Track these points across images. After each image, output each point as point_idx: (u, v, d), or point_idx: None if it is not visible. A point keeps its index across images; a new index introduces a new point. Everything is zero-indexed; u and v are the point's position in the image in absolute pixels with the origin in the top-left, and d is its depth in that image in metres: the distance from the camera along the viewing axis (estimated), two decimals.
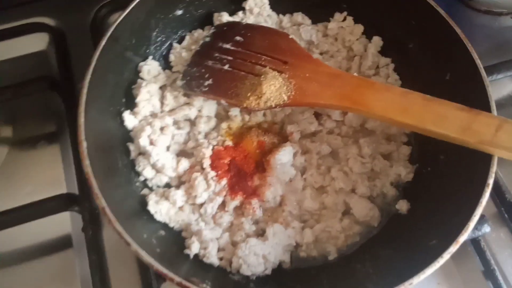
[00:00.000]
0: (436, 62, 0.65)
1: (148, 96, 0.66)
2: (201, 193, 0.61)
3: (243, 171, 0.64)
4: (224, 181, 0.63)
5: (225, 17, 0.73)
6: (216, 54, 0.66)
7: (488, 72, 0.73)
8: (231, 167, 0.64)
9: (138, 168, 0.63)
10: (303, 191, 0.64)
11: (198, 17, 0.74)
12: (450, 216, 0.54)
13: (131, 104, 0.67)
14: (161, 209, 0.60)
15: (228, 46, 0.67)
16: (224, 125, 0.68)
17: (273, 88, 0.61)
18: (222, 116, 0.70)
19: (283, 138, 0.68)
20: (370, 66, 0.71)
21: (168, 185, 0.65)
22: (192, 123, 0.68)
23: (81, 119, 0.54)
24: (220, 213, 0.62)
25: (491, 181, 0.52)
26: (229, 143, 0.66)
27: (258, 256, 0.57)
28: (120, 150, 0.63)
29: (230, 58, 0.66)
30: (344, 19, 0.74)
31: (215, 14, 0.74)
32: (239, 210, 0.63)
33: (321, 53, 0.74)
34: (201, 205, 0.62)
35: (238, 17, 0.74)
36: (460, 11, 0.92)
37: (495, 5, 0.84)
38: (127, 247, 0.49)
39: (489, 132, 0.51)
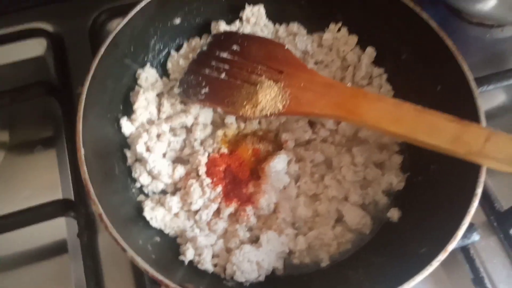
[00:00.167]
0: (428, 73, 0.66)
1: (145, 103, 0.67)
2: (196, 199, 0.62)
3: (238, 178, 0.65)
4: (219, 188, 0.63)
5: (222, 26, 0.74)
6: (213, 63, 0.67)
7: (479, 83, 0.75)
8: (226, 174, 0.65)
9: (135, 175, 0.64)
10: (296, 199, 0.65)
11: (196, 25, 0.75)
12: (439, 225, 0.55)
13: (128, 110, 0.67)
14: (157, 216, 0.61)
15: (225, 55, 0.68)
16: (220, 132, 0.69)
17: (269, 97, 0.63)
18: (218, 124, 0.70)
19: (278, 146, 0.69)
20: (364, 76, 0.73)
21: (164, 192, 0.65)
22: (189, 130, 0.69)
23: (79, 126, 0.55)
24: (215, 220, 0.63)
25: (479, 191, 0.53)
26: (224, 150, 0.67)
27: (252, 263, 0.58)
28: (117, 157, 0.64)
29: (226, 67, 0.67)
30: (339, 30, 0.76)
31: (213, 23, 0.75)
32: (234, 217, 0.64)
33: (316, 63, 0.75)
34: (196, 211, 0.63)
35: (235, 26, 0.75)
36: (453, 23, 0.94)
37: (487, 17, 0.85)
38: (123, 253, 0.50)
39: (478, 143, 0.52)
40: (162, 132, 0.66)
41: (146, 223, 0.61)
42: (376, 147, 0.69)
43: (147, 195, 0.65)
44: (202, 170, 0.64)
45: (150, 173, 0.63)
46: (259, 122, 0.70)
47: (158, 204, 0.62)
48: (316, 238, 0.62)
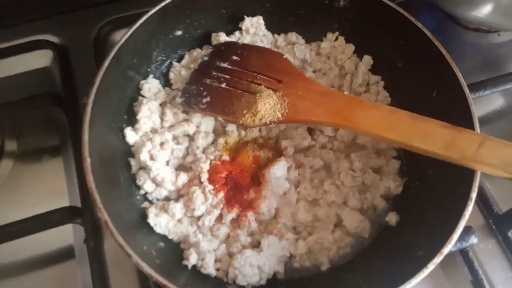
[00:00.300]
0: (423, 81, 0.68)
1: (148, 113, 0.69)
2: (199, 206, 0.63)
3: (239, 184, 0.67)
4: (221, 194, 0.65)
5: (222, 37, 0.75)
6: (214, 73, 0.69)
7: (475, 88, 0.77)
8: (228, 180, 0.66)
9: (139, 182, 0.65)
10: (296, 204, 0.66)
11: (197, 37, 0.77)
12: (436, 228, 0.57)
13: (132, 120, 0.69)
14: (161, 222, 0.62)
15: (225, 65, 0.69)
16: (221, 140, 0.70)
17: (268, 105, 0.64)
18: (219, 132, 0.72)
19: (278, 153, 0.71)
20: (361, 84, 0.74)
21: (167, 198, 0.67)
22: (191, 138, 0.71)
23: (85, 136, 0.56)
24: (217, 225, 0.64)
25: (474, 195, 0.55)
26: (226, 157, 0.69)
27: (253, 267, 0.59)
28: (121, 165, 0.66)
29: (227, 76, 0.68)
30: (336, 39, 0.77)
31: (213, 34, 0.77)
32: (236, 223, 0.65)
33: (314, 71, 0.77)
34: (199, 217, 0.64)
35: (235, 37, 0.77)
36: (450, 29, 0.95)
37: (484, 23, 0.86)
38: (128, 258, 0.51)
39: (471, 149, 0.53)
40: (165, 141, 0.68)
41: (150, 229, 0.62)
42: (374, 152, 0.70)
43: (151, 202, 0.66)
44: (204, 177, 0.65)
45: (154, 180, 0.65)
46: (260, 130, 0.72)
47: (162, 210, 0.63)
48: (316, 242, 0.64)
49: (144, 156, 0.65)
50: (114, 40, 0.65)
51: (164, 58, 0.75)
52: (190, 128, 0.69)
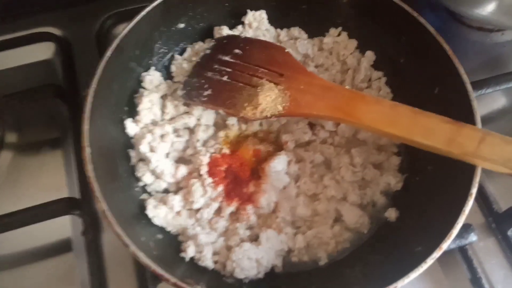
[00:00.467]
0: (426, 77, 0.68)
1: (149, 105, 0.69)
2: (198, 198, 0.63)
3: (239, 178, 0.66)
4: (220, 188, 0.65)
5: (225, 31, 0.75)
6: (216, 66, 0.69)
7: (478, 86, 0.77)
8: (228, 174, 0.66)
9: (138, 174, 0.65)
10: (296, 198, 0.66)
11: (199, 30, 0.77)
12: (435, 224, 0.56)
13: (133, 112, 0.69)
14: (159, 214, 0.62)
15: (227, 58, 0.69)
16: (221, 133, 0.70)
17: (269, 99, 0.64)
18: (220, 125, 0.72)
19: (278, 147, 0.70)
20: (363, 79, 0.74)
21: (166, 191, 0.67)
22: (191, 131, 0.70)
23: (86, 126, 0.56)
24: (216, 218, 0.64)
25: (474, 191, 0.55)
26: (226, 151, 0.68)
27: (251, 260, 0.59)
28: (121, 156, 0.66)
29: (229, 69, 0.68)
30: (339, 34, 0.77)
31: (216, 28, 0.77)
32: (234, 216, 0.65)
33: (316, 66, 0.77)
34: (198, 210, 0.64)
35: (238, 30, 0.77)
36: (453, 28, 0.95)
37: (487, 22, 0.86)
38: (126, 248, 0.51)
39: (472, 144, 0.53)
40: (165, 133, 0.68)
41: (148, 221, 0.62)
42: (375, 148, 0.70)
43: (150, 194, 0.66)
44: (204, 170, 0.65)
45: (153, 172, 0.65)
46: (260, 124, 0.72)
47: (160, 202, 0.63)
48: (314, 237, 0.63)
49: (144, 147, 0.65)
50: (116, 34, 0.66)
51: (166, 51, 0.75)
52: (191, 121, 0.69)
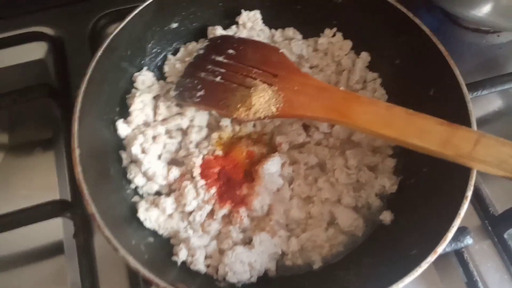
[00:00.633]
0: (421, 78, 0.67)
1: (141, 106, 0.68)
2: (190, 201, 0.62)
3: (232, 180, 0.66)
4: (213, 190, 0.64)
5: (218, 31, 0.75)
6: (209, 66, 0.68)
7: (473, 88, 0.76)
8: (221, 176, 0.65)
9: (130, 176, 0.64)
10: (290, 201, 0.65)
11: (193, 30, 0.76)
12: (430, 227, 0.56)
13: (125, 113, 0.68)
14: (151, 216, 0.61)
15: (220, 58, 0.69)
16: (215, 135, 0.69)
17: (263, 100, 0.63)
18: (213, 126, 0.71)
19: (272, 149, 0.70)
20: (358, 81, 0.73)
21: (158, 193, 0.66)
22: (184, 132, 0.70)
23: (75, 127, 0.56)
24: (209, 221, 0.63)
25: (469, 194, 0.54)
26: (219, 152, 0.68)
27: (244, 264, 0.59)
28: (112, 158, 0.65)
29: (222, 70, 0.67)
30: (334, 35, 0.77)
31: (209, 28, 0.76)
32: (227, 219, 0.64)
33: (311, 67, 0.76)
34: (190, 213, 0.63)
35: (232, 31, 0.76)
36: (450, 29, 0.95)
37: (483, 23, 0.86)
38: (115, 252, 0.50)
39: (467, 146, 0.53)
40: (157, 134, 0.67)
41: (140, 223, 0.61)
42: (370, 150, 0.69)
43: (141, 196, 0.65)
44: (197, 172, 0.64)
45: (145, 174, 0.64)
46: (254, 125, 0.71)
47: (152, 205, 0.62)
48: (308, 240, 0.63)
49: (135, 149, 0.64)
50: (110, 33, 0.65)
51: (159, 51, 0.74)
52: (184, 122, 0.69)
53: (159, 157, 0.67)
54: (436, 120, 0.55)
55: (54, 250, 0.69)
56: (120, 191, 0.64)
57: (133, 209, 0.62)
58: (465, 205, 0.53)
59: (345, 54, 0.76)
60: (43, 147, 0.79)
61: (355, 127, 0.60)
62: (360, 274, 0.58)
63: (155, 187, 0.65)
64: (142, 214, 0.61)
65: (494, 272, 0.68)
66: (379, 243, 0.62)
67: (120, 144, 0.67)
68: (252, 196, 0.64)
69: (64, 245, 0.69)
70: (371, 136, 0.67)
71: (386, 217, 0.64)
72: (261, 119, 0.63)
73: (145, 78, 0.70)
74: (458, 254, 0.67)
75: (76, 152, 0.54)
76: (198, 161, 0.65)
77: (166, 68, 0.74)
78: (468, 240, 0.65)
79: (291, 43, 0.76)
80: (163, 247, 0.62)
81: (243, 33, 0.76)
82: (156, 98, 0.71)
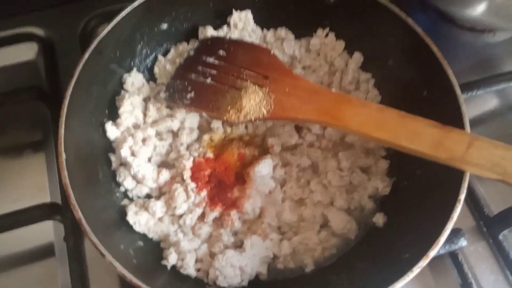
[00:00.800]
0: (414, 79, 0.66)
1: (131, 108, 0.67)
2: (180, 204, 0.62)
3: (223, 182, 0.65)
4: (204, 193, 0.63)
5: (210, 32, 0.74)
6: (200, 68, 0.68)
7: (468, 88, 0.76)
8: (212, 178, 0.65)
9: (119, 179, 0.64)
10: (282, 203, 0.65)
11: (183, 30, 0.75)
12: (423, 230, 0.55)
13: (114, 115, 0.67)
14: (140, 220, 0.61)
15: (211, 60, 0.68)
16: (206, 137, 0.69)
17: (253, 102, 0.63)
18: (204, 128, 0.70)
19: (264, 151, 0.69)
20: (351, 81, 0.73)
21: (148, 196, 0.65)
22: (175, 134, 0.69)
23: (62, 130, 0.55)
24: (199, 224, 0.63)
25: (462, 197, 0.53)
26: (210, 155, 0.67)
27: (234, 268, 0.58)
28: (101, 161, 0.64)
29: (212, 71, 0.67)
30: (327, 35, 0.76)
31: (200, 28, 0.75)
32: (218, 222, 0.64)
33: (303, 68, 0.75)
34: (181, 216, 0.63)
35: (223, 31, 0.75)
36: (444, 28, 0.93)
37: (478, 22, 0.85)
38: (103, 258, 0.50)
39: (460, 149, 0.52)
40: (147, 137, 0.66)
41: (129, 227, 0.61)
42: (363, 152, 0.69)
43: (131, 200, 0.65)
44: (187, 174, 0.64)
45: (134, 177, 0.63)
46: (246, 127, 0.70)
47: (142, 208, 0.62)
48: (300, 243, 0.62)
49: (124, 151, 0.63)
50: (97, 36, 0.65)
51: (148, 52, 0.73)
52: (174, 124, 0.68)
53: (149, 159, 0.66)
54: (429, 122, 0.54)
55: (45, 252, 0.69)
56: (109, 194, 0.63)
57: (123, 213, 0.62)
58: (458, 208, 0.53)
59: (337, 54, 0.75)
60: (33, 149, 0.78)
61: (346, 129, 0.59)
62: (352, 279, 0.57)
63: (145, 190, 0.64)
64: (131, 218, 0.61)
65: (489, 273, 0.67)
66: (372, 247, 0.62)
67: (109, 147, 0.66)
68: (243, 199, 0.63)
69: (55, 247, 0.68)
70: (363, 138, 0.67)
71: (379, 219, 0.64)
72: (252, 121, 0.63)
73: (134, 79, 0.70)
74: (453, 255, 0.67)
75: (63, 156, 0.54)
76: (188, 163, 0.64)
77: (156, 70, 0.73)
78: (463, 242, 0.65)
79: (283, 44, 0.75)
80: (153, 251, 0.61)
81: (234, 34, 0.75)
82: (146, 100, 0.70)
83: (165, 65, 0.73)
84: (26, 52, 0.86)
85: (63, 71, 0.83)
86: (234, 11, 0.74)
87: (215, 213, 0.63)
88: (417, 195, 0.62)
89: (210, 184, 0.65)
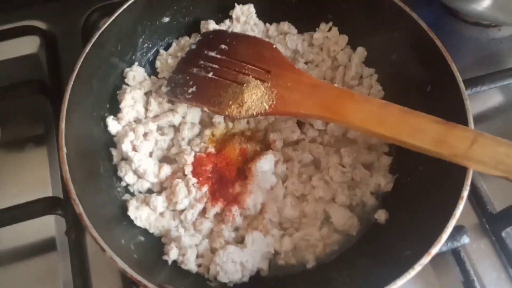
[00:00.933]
0: (418, 74, 0.66)
1: (132, 102, 0.67)
2: (182, 199, 0.62)
3: (225, 178, 0.65)
4: (205, 188, 0.63)
5: (211, 25, 0.73)
6: (201, 62, 0.67)
7: (473, 83, 0.75)
8: (213, 174, 0.65)
9: (120, 173, 0.64)
10: (283, 199, 0.65)
11: (185, 24, 0.75)
12: (425, 228, 0.55)
13: (115, 109, 0.67)
14: (141, 215, 0.61)
15: (213, 54, 0.67)
16: (207, 132, 0.68)
17: (255, 96, 0.62)
18: (206, 123, 0.70)
19: (266, 146, 0.69)
20: (354, 76, 0.72)
21: (149, 191, 0.65)
22: (176, 129, 0.69)
23: (62, 124, 0.55)
24: (201, 220, 0.62)
25: (465, 194, 0.53)
26: (211, 150, 0.67)
27: (235, 264, 0.58)
28: (102, 155, 0.64)
29: (214, 66, 0.66)
30: (330, 30, 0.75)
31: (202, 22, 0.74)
32: (220, 217, 0.63)
33: (306, 62, 0.75)
34: (182, 211, 0.63)
35: (225, 25, 0.75)
36: (449, 23, 0.93)
37: (482, 16, 0.84)
38: (103, 253, 0.49)
39: (463, 146, 0.51)
40: (149, 131, 0.66)
41: (130, 222, 0.61)
42: (365, 147, 0.68)
43: (132, 194, 0.65)
44: (188, 169, 0.63)
45: (135, 172, 0.63)
46: (247, 122, 0.70)
47: (143, 203, 0.62)
48: (302, 239, 0.62)
49: (126, 146, 0.63)
50: (98, 29, 0.65)
51: (150, 46, 0.73)
52: (176, 119, 0.68)
53: (150, 154, 0.66)
54: (432, 118, 0.54)
55: (47, 246, 0.69)
56: (110, 189, 0.63)
57: (124, 208, 0.61)
58: (461, 206, 0.52)
59: (341, 49, 0.74)
60: (35, 143, 0.78)
61: (348, 125, 0.58)
62: (353, 275, 0.57)
63: (146, 185, 0.64)
64: (132, 213, 0.61)
65: (491, 271, 0.67)
66: (373, 243, 0.61)
67: (111, 141, 0.66)
68: (245, 194, 0.63)
69: (57, 241, 0.69)
70: (365, 134, 0.66)
71: (381, 216, 0.63)
72: (253, 116, 0.62)
73: (136, 73, 0.69)
74: (455, 253, 0.66)
75: (64, 151, 0.53)
76: (190, 158, 0.64)
77: (158, 64, 0.73)
78: (465, 239, 0.64)
79: (286, 38, 0.75)
80: (154, 246, 0.61)
81: (236, 28, 0.74)
82: (147, 94, 0.70)
83: (166, 59, 0.72)
84: (28, 45, 0.86)
85: (65, 64, 0.83)
86: (236, 4, 0.74)
87: (216, 208, 0.63)
88: (419, 192, 0.61)
89: (212, 179, 0.64)
